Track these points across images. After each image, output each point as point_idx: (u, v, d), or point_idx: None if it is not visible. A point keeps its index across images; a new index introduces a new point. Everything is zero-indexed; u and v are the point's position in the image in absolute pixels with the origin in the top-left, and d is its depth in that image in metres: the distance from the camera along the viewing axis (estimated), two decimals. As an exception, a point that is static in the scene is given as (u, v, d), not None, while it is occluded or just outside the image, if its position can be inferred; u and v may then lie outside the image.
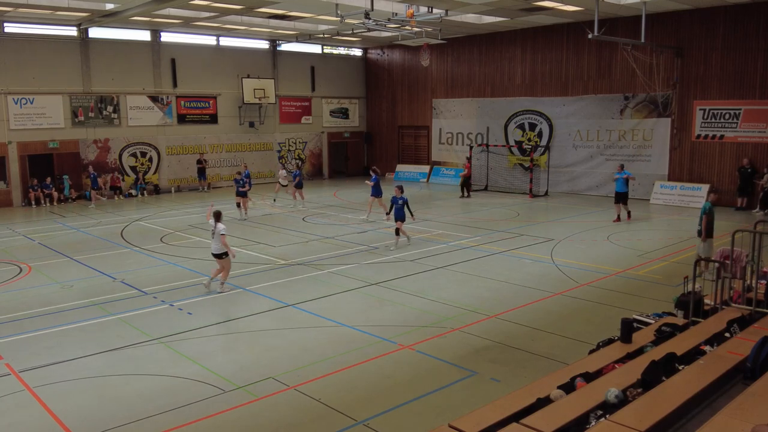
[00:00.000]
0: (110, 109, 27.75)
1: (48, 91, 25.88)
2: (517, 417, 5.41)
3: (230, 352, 9.58)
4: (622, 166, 20.02)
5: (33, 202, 25.38)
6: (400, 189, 16.86)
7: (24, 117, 25.52)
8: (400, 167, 35.02)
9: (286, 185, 25.46)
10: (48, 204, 25.64)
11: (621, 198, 19.58)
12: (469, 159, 28.06)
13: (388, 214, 17.99)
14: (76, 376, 8.73)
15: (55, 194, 25.96)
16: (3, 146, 25.19)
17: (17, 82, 25.14)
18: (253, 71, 31.50)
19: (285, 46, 32.90)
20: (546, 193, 27.11)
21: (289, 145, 34.12)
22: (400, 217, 16.53)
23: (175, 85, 29.40)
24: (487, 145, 29.71)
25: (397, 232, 16.55)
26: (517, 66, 29.34)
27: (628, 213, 19.87)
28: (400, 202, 16.60)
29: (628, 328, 7.44)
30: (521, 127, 29.37)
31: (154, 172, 29.25)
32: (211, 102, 30.81)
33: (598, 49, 25.99)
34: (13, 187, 25.71)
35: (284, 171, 26.94)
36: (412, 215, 17.46)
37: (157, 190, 29.11)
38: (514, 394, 6.03)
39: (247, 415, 7.52)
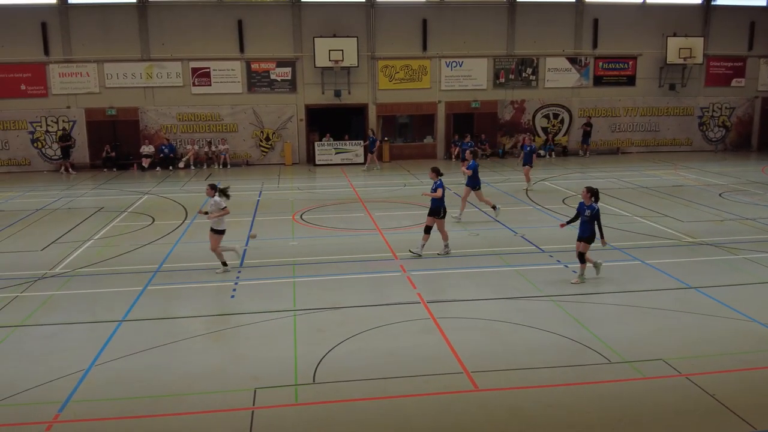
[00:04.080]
0: (529, 71, 28.90)
1: (475, 54, 28.22)
2: None
3: (620, 323, 9.23)
4: None
5: (453, 157, 28.29)
6: (590, 193, 10.67)
7: (452, 79, 28.42)
8: None
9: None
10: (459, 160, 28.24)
11: None
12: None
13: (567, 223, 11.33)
14: (471, 315, 9.55)
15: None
16: (433, 105, 28.59)
17: (450, 46, 28.02)
18: (680, 29, 28.96)
19: (721, -1, 29.34)
20: None
21: (713, 111, 30.64)
22: (584, 235, 10.75)
23: (595, 46, 28.98)
24: None
25: (581, 257, 10.82)
26: None
27: None
28: (587, 213, 10.70)
29: None
30: None
31: (564, 134, 29.59)
32: (630, 63, 29.52)
33: None
34: (438, 141, 29.09)
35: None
36: (602, 236, 10.82)
37: (565, 152, 29.46)
38: None
39: (630, 391, 7.17)
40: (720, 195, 18.96)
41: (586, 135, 29.20)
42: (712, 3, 29.30)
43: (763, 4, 30.00)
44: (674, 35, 28.79)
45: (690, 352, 8.14)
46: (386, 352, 8.26)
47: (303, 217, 16.75)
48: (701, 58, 29.09)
